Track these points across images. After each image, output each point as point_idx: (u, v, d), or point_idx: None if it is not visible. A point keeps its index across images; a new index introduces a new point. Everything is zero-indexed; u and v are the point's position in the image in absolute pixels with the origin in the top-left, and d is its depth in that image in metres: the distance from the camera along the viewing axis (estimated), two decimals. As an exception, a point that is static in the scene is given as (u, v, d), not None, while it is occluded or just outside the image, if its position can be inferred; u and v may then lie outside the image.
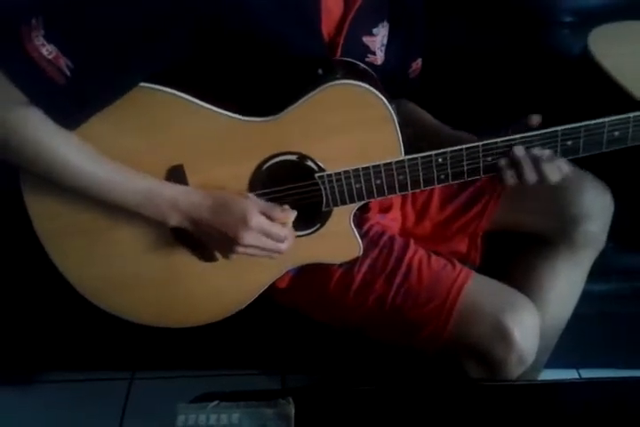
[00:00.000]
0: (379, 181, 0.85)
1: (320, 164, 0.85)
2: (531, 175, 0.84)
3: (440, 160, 0.84)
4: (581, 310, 1.09)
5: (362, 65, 0.88)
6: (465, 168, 0.85)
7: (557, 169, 0.84)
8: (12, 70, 0.74)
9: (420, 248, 0.98)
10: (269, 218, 0.83)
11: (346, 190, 0.86)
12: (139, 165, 0.82)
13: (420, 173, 0.85)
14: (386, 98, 0.81)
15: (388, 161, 0.84)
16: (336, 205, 0.88)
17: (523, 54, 1.33)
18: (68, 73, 0.74)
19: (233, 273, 0.91)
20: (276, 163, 0.85)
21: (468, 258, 1.08)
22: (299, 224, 0.87)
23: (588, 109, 1.10)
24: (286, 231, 0.84)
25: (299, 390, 0.87)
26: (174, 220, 0.83)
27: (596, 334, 1.25)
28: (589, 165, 0.93)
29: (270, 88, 0.83)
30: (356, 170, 0.84)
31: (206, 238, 0.85)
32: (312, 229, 0.91)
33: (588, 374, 1.32)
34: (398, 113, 0.84)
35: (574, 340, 1.10)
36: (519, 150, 0.83)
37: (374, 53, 0.93)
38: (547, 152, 0.83)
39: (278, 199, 0.87)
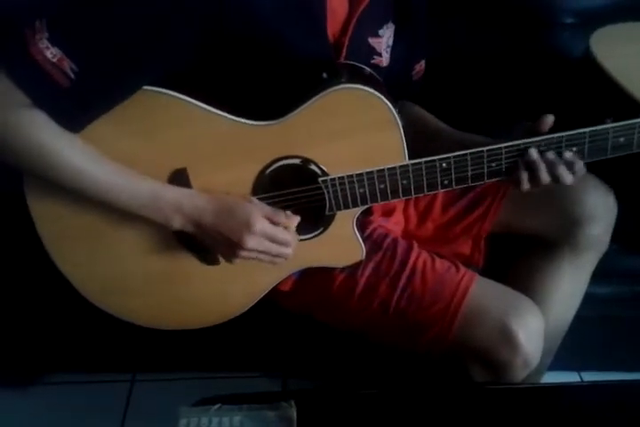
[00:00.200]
0: (382, 186, 0.85)
1: (323, 168, 0.85)
2: (545, 177, 0.84)
3: (444, 165, 0.84)
4: (583, 313, 1.09)
5: (367, 69, 0.88)
6: (469, 173, 0.84)
7: (572, 172, 0.85)
8: (16, 73, 0.74)
9: (424, 251, 0.98)
10: (273, 223, 0.83)
11: (349, 195, 0.86)
12: (142, 167, 0.82)
13: (424, 178, 0.85)
14: (390, 102, 0.81)
15: (392, 166, 0.84)
16: (339, 209, 0.88)
17: (524, 56, 1.33)
18: (73, 76, 0.74)
19: (236, 276, 0.91)
20: (280, 167, 0.85)
21: (472, 260, 1.08)
22: (302, 228, 0.87)
23: (590, 111, 1.10)
24: (290, 236, 0.84)
25: (301, 393, 0.87)
26: (177, 223, 0.83)
27: (598, 336, 1.25)
28: (593, 167, 0.92)
29: (274, 92, 0.83)
30: (360, 174, 0.84)
31: (210, 242, 0.85)
32: (315, 233, 0.90)
33: (589, 376, 1.32)
34: (402, 115, 0.84)
35: (576, 342, 1.11)
36: (533, 153, 0.83)
37: (380, 55, 0.93)
38: (568, 155, 0.83)
39: (281, 203, 0.87)
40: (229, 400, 0.82)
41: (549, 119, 0.85)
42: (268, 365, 1.38)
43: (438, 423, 0.84)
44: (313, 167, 0.85)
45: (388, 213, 1.06)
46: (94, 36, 0.74)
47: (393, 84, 0.91)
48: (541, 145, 0.83)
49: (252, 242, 0.81)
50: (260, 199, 0.86)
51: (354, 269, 0.95)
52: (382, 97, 0.80)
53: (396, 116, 0.81)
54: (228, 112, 0.82)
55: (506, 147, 0.83)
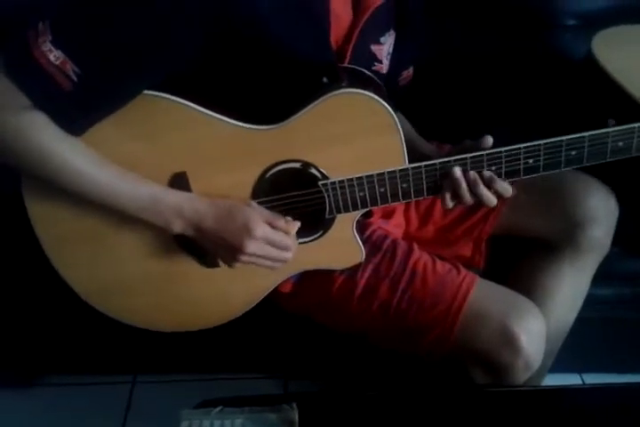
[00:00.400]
0: (382, 189, 0.85)
1: (324, 171, 0.85)
2: (467, 198, 0.85)
3: (444, 169, 0.83)
4: (585, 315, 1.09)
5: (367, 73, 0.88)
6: None
7: (495, 193, 0.85)
8: (19, 75, 0.73)
9: (425, 253, 0.98)
10: (273, 227, 0.83)
11: (349, 198, 0.86)
12: (142, 171, 0.82)
13: (424, 182, 0.85)
14: (390, 106, 0.81)
15: (392, 169, 0.84)
16: (339, 212, 0.88)
17: (526, 57, 1.33)
18: (75, 78, 0.74)
19: (235, 278, 0.91)
20: (280, 170, 0.85)
21: (473, 262, 1.08)
22: (302, 231, 0.87)
23: (592, 113, 1.10)
24: (290, 240, 0.84)
25: (302, 396, 0.87)
26: (178, 227, 0.83)
27: (600, 338, 1.25)
28: (594, 170, 0.92)
29: (275, 96, 0.83)
30: (360, 178, 0.84)
31: (210, 246, 0.85)
32: (315, 236, 0.90)
33: (590, 378, 1.33)
34: None
35: (577, 344, 1.10)
36: (456, 171, 0.83)
37: (381, 62, 0.93)
38: (487, 174, 0.84)
39: (281, 207, 0.87)
40: (231, 403, 0.82)
41: (489, 140, 0.85)
42: (268, 367, 1.38)
43: (440, 426, 0.85)
44: (313, 171, 0.85)
45: (387, 215, 1.05)
46: (97, 39, 0.74)
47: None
48: (542, 149, 0.83)
49: (252, 247, 0.81)
50: (259, 203, 0.86)
51: (353, 271, 0.95)
52: (383, 101, 0.80)
53: (396, 120, 0.81)
54: (229, 116, 0.82)
55: (506, 151, 0.83)
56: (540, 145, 0.83)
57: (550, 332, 0.95)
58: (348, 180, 0.84)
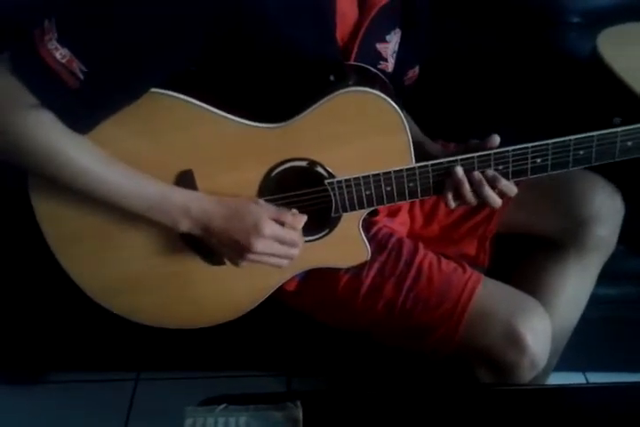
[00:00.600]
0: (389, 188, 0.85)
1: (330, 170, 0.85)
2: (470, 198, 0.85)
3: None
4: (589, 314, 1.09)
5: (374, 70, 0.88)
6: None
7: (500, 193, 0.85)
8: (25, 74, 0.73)
9: (430, 251, 0.97)
10: (280, 223, 0.83)
11: (355, 197, 0.86)
12: (148, 169, 0.82)
13: (431, 181, 0.85)
14: (397, 104, 0.80)
15: (399, 168, 0.83)
16: (345, 211, 0.88)
17: (529, 56, 1.33)
18: (82, 77, 0.73)
19: (241, 276, 0.90)
20: (286, 169, 0.85)
21: (477, 261, 1.08)
22: (308, 229, 0.87)
23: (597, 112, 1.09)
24: (296, 236, 0.84)
25: (307, 394, 0.87)
26: (185, 226, 0.83)
27: (604, 337, 1.25)
28: (600, 168, 0.92)
29: (282, 94, 0.82)
30: (367, 177, 0.84)
31: (217, 245, 0.85)
32: (321, 234, 0.90)
33: (594, 377, 1.33)
34: None
35: (582, 343, 1.10)
36: (459, 171, 0.84)
37: (386, 60, 0.93)
38: (490, 174, 0.84)
39: (287, 205, 0.87)
40: (235, 400, 0.82)
41: (496, 139, 0.85)
42: (271, 364, 1.38)
43: (444, 425, 0.84)
44: (319, 169, 0.85)
45: (393, 213, 1.05)
46: (104, 37, 0.74)
47: None
48: (550, 149, 0.82)
49: (260, 245, 0.81)
50: (265, 201, 0.86)
51: (359, 269, 0.95)
52: (390, 100, 0.80)
53: (403, 118, 0.81)
54: (236, 114, 0.81)
55: (514, 150, 0.83)
56: (547, 144, 0.82)
57: (555, 331, 0.95)
58: (354, 178, 0.84)
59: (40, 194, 0.86)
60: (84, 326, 1.28)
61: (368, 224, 0.97)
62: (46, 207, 0.86)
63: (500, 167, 0.84)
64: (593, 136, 0.81)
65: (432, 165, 0.84)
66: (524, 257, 1.09)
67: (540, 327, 0.90)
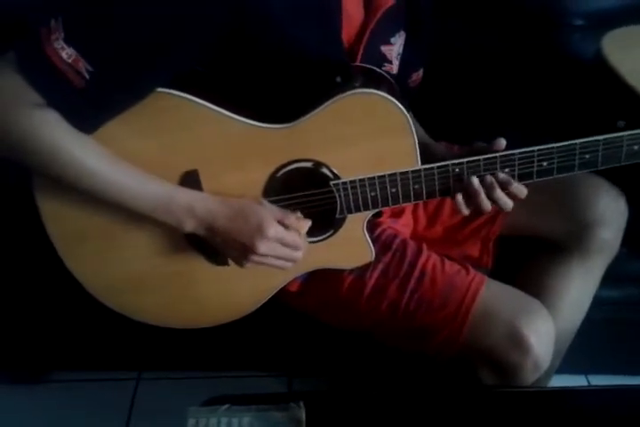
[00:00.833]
0: (394, 190, 0.85)
1: (335, 171, 0.85)
2: (486, 205, 0.85)
3: (457, 170, 0.83)
4: (592, 316, 1.09)
5: (380, 71, 0.88)
6: None
7: (509, 195, 0.85)
8: (31, 73, 0.73)
9: (434, 253, 0.98)
10: (284, 226, 0.83)
11: (360, 198, 0.86)
12: (152, 169, 0.82)
13: (436, 183, 0.85)
14: (404, 106, 0.80)
15: (405, 170, 0.83)
16: (350, 212, 0.88)
17: (533, 58, 1.33)
18: (87, 76, 0.73)
19: (244, 276, 0.90)
20: (292, 170, 0.84)
21: (480, 262, 1.08)
22: (312, 230, 0.87)
23: (601, 114, 1.09)
24: (301, 239, 0.84)
25: (310, 394, 0.87)
26: (189, 226, 0.83)
27: (606, 340, 1.25)
28: (604, 171, 0.92)
29: (288, 95, 0.82)
30: (372, 178, 0.84)
31: (221, 246, 0.85)
32: (325, 235, 0.90)
33: (596, 380, 1.33)
34: None
35: (584, 346, 1.10)
36: (474, 182, 0.84)
37: (390, 62, 0.93)
38: (502, 176, 0.84)
39: (292, 206, 0.87)
40: (238, 401, 0.82)
41: (502, 142, 0.85)
42: (273, 364, 1.38)
43: (446, 426, 0.85)
44: (325, 171, 0.85)
45: (397, 214, 1.05)
46: (110, 37, 0.74)
47: None
48: (555, 153, 0.82)
49: (264, 247, 0.81)
50: (270, 202, 0.86)
51: (363, 270, 0.95)
52: (396, 102, 0.80)
53: (410, 120, 0.81)
54: (242, 115, 0.81)
55: (520, 153, 0.83)
56: (553, 148, 0.82)
57: (558, 333, 0.95)
58: (359, 180, 0.84)
59: (45, 193, 0.85)
60: (86, 326, 1.28)
61: (372, 225, 0.97)
62: (51, 207, 0.86)
63: (506, 170, 0.84)
64: (599, 140, 0.82)
65: (438, 167, 0.84)
66: (528, 259, 1.09)
67: (544, 329, 0.91)
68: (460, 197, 0.86)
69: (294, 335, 1.28)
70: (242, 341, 1.28)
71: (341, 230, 0.90)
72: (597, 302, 1.09)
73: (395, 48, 0.93)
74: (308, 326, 1.13)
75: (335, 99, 0.80)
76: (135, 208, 0.82)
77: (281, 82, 0.82)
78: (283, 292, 0.95)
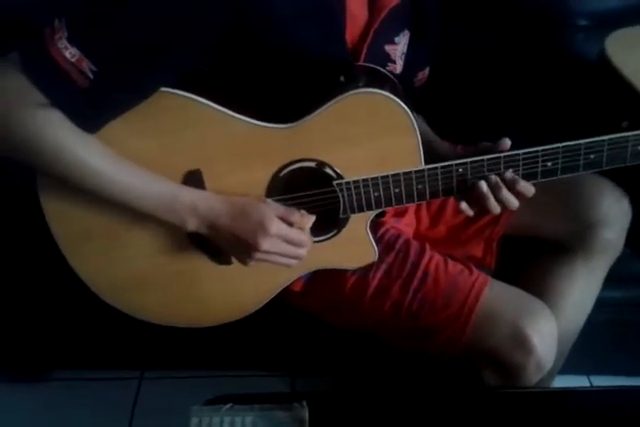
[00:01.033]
0: (397, 190, 0.85)
1: (339, 171, 0.85)
2: (495, 208, 0.85)
3: (460, 170, 0.83)
4: (594, 317, 1.09)
5: (384, 71, 0.88)
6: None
7: (517, 194, 0.85)
8: (34, 72, 0.73)
9: (437, 253, 0.97)
10: (288, 223, 0.83)
11: (364, 198, 0.86)
12: (156, 168, 0.82)
13: (440, 183, 0.84)
14: (407, 106, 0.80)
15: (408, 170, 0.83)
16: (353, 212, 0.88)
17: (537, 58, 1.33)
18: (91, 76, 0.73)
19: (248, 275, 0.90)
20: (295, 169, 0.85)
21: (484, 262, 1.08)
22: (315, 230, 0.87)
23: (605, 115, 1.09)
24: (304, 236, 0.84)
25: (313, 394, 0.87)
26: (192, 225, 0.83)
27: (609, 340, 1.25)
28: (608, 172, 0.92)
29: (291, 95, 0.82)
30: (375, 178, 0.84)
31: (224, 244, 0.85)
32: (329, 235, 0.90)
33: (598, 381, 1.33)
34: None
35: (586, 346, 1.10)
36: (483, 186, 0.84)
37: (394, 62, 0.93)
38: (509, 176, 0.84)
39: (296, 206, 0.86)
40: (241, 400, 0.82)
41: (507, 142, 0.85)
42: (276, 364, 1.38)
43: (448, 426, 0.85)
44: (328, 170, 0.85)
45: (400, 214, 1.05)
46: (113, 37, 0.74)
47: None
48: (560, 153, 0.82)
49: (266, 244, 0.81)
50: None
51: (366, 270, 0.95)
52: (400, 102, 0.80)
53: (413, 120, 0.81)
54: (245, 114, 0.81)
55: (524, 153, 0.83)
56: (558, 148, 0.82)
57: (560, 333, 0.95)
58: (362, 180, 0.84)
59: (48, 193, 0.86)
60: (89, 324, 1.28)
61: (375, 225, 0.96)
62: (55, 206, 0.86)
63: (510, 170, 0.84)
64: (604, 140, 0.81)
65: (441, 167, 0.84)
66: (531, 259, 1.09)
67: (547, 329, 0.91)
68: (464, 204, 0.86)
69: (297, 335, 1.28)
70: (245, 340, 1.28)
71: (344, 230, 0.90)
72: (600, 303, 1.09)
73: (399, 48, 0.93)
74: (311, 326, 1.13)
75: (338, 98, 0.80)
76: (139, 207, 0.82)
77: (284, 81, 0.83)
78: (286, 291, 0.95)
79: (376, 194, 0.85)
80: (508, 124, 1.23)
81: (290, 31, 0.79)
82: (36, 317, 1.29)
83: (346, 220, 0.89)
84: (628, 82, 1.07)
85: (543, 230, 1.07)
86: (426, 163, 0.84)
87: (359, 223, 0.90)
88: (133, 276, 0.91)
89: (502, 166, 0.83)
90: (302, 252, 0.85)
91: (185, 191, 0.83)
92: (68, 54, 0.72)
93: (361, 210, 0.87)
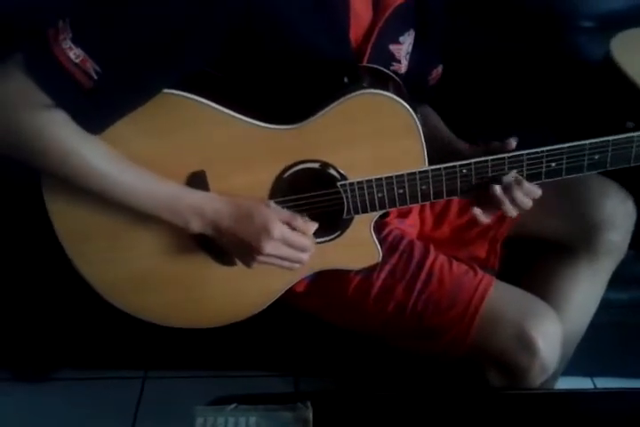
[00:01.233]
0: (401, 191, 0.85)
1: (342, 172, 0.85)
2: (511, 211, 0.85)
3: (464, 171, 0.83)
4: (598, 318, 1.09)
5: (387, 72, 0.88)
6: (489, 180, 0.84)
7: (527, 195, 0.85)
8: (38, 73, 0.73)
9: (441, 254, 0.97)
10: (291, 227, 0.83)
11: (367, 199, 0.86)
12: (160, 169, 0.82)
13: (444, 184, 0.84)
14: (411, 107, 0.80)
15: (412, 171, 0.83)
16: (357, 213, 0.87)
17: (542, 60, 1.32)
18: (95, 77, 0.73)
19: (251, 276, 0.90)
20: (299, 170, 0.84)
21: (487, 263, 1.07)
22: (319, 231, 0.87)
23: (610, 116, 1.09)
24: (308, 241, 0.84)
25: (317, 394, 0.87)
26: (197, 226, 0.83)
27: (612, 342, 1.24)
28: (612, 173, 0.92)
29: (295, 96, 0.82)
30: (379, 179, 0.84)
31: (228, 246, 0.85)
32: (332, 236, 0.90)
33: (602, 383, 1.33)
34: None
35: (590, 348, 1.10)
36: (497, 190, 0.84)
37: (399, 61, 0.93)
38: (512, 175, 0.84)
39: (299, 207, 0.87)
40: (245, 400, 0.82)
41: (513, 143, 0.86)
42: (279, 364, 1.38)
43: (453, 427, 0.85)
44: (332, 171, 0.85)
45: (404, 214, 1.05)
46: (117, 37, 0.74)
47: (410, 88, 0.90)
48: (564, 153, 0.82)
49: (269, 247, 0.81)
50: (277, 203, 0.86)
51: (370, 271, 0.95)
52: (404, 103, 0.80)
53: (417, 122, 0.81)
54: (249, 116, 0.81)
55: (528, 154, 0.83)
56: (563, 148, 0.82)
57: (565, 335, 0.95)
58: (366, 181, 0.84)
59: (53, 192, 0.86)
60: (93, 324, 1.28)
61: (379, 226, 0.97)
62: (59, 205, 0.86)
63: (515, 171, 0.84)
64: (608, 141, 0.81)
65: (445, 168, 0.83)
66: (535, 261, 1.09)
67: (552, 331, 0.90)
68: (478, 210, 0.86)
69: (300, 335, 1.28)
70: (248, 340, 1.29)
71: (348, 231, 0.90)
72: (604, 305, 1.08)
73: (404, 47, 0.93)
74: (314, 326, 1.13)
75: (342, 99, 0.79)
76: (143, 208, 0.82)
77: (288, 82, 0.83)
78: (290, 292, 0.95)
79: (380, 195, 0.85)
80: (512, 125, 1.23)
81: (294, 31, 0.79)
82: (38, 316, 1.29)
83: (350, 221, 0.89)
84: (633, 83, 1.07)
85: (547, 232, 1.06)
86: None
87: (363, 224, 0.90)
88: (136, 276, 0.92)
89: (506, 167, 0.83)
90: (305, 256, 0.85)
91: (189, 193, 0.83)
92: (72, 55, 0.72)
93: (365, 211, 0.87)
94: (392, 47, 0.91)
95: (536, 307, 0.92)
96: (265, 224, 0.81)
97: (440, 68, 1.06)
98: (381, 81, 0.85)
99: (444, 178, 0.84)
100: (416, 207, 1.07)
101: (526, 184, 0.84)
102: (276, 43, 0.79)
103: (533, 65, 1.33)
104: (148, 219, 0.84)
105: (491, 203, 0.86)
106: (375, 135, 0.82)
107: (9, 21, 1.11)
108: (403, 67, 0.94)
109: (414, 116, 0.81)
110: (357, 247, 0.92)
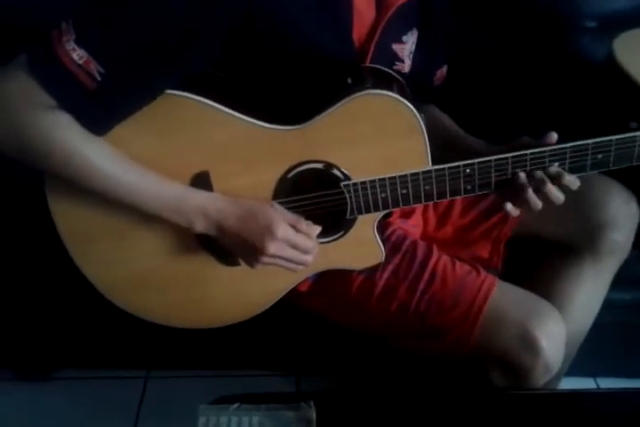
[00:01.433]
0: (405, 191, 0.85)
1: (346, 172, 0.85)
2: (535, 201, 0.84)
3: (468, 171, 0.83)
4: (601, 319, 1.08)
5: (391, 72, 0.88)
6: (492, 180, 0.84)
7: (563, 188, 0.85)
8: (42, 74, 0.73)
9: (444, 254, 0.97)
10: (295, 229, 0.83)
11: (371, 199, 0.86)
12: (164, 170, 0.82)
13: (447, 184, 0.84)
14: (415, 107, 0.80)
15: (415, 171, 0.83)
16: (360, 213, 0.88)
17: (545, 60, 1.33)
18: (99, 78, 0.73)
19: (255, 277, 0.90)
20: (302, 171, 0.84)
21: (490, 263, 1.07)
22: (323, 231, 0.87)
23: (613, 116, 1.09)
24: (311, 243, 0.84)
25: (320, 394, 0.87)
26: (201, 226, 0.83)
27: (615, 343, 1.24)
28: (616, 173, 0.92)
29: (299, 96, 0.82)
30: (382, 179, 0.84)
31: (231, 246, 0.85)
32: (336, 236, 0.90)
33: (605, 383, 1.33)
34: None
35: (593, 348, 1.10)
36: (521, 176, 0.83)
37: (402, 61, 0.93)
38: (554, 170, 0.83)
39: (303, 207, 0.87)
40: (248, 399, 0.82)
41: (554, 136, 0.85)
42: (281, 364, 1.38)
43: (456, 427, 0.85)
44: (335, 172, 0.85)
45: (407, 214, 1.05)
46: (121, 38, 0.74)
47: (415, 89, 0.90)
48: (567, 152, 0.82)
49: (273, 248, 0.81)
50: (281, 203, 0.86)
51: (373, 271, 0.95)
52: (408, 103, 0.80)
53: (421, 122, 0.81)
54: (253, 116, 0.81)
55: (531, 153, 0.83)
56: (566, 148, 0.82)
57: (568, 335, 0.95)
58: (370, 181, 0.84)
59: (56, 192, 0.86)
60: (95, 324, 1.28)
61: (382, 226, 0.96)
62: (62, 206, 0.87)
63: (518, 170, 0.84)
64: (612, 140, 0.81)
65: (449, 168, 0.83)
66: (538, 261, 1.09)
67: (555, 331, 0.90)
68: (509, 205, 0.86)
69: (303, 335, 1.28)
70: (250, 340, 1.29)
71: (352, 231, 0.90)
72: (607, 305, 1.08)
73: (407, 46, 0.93)
74: (317, 326, 1.13)
75: (346, 100, 0.79)
76: (147, 209, 0.82)
77: (291, 83, 0.83)
78: (292, 292, 0.95)
79: (383, 195, 0.85)
80: (515, 125, 1.23)
81: (297, 29, 0.79)
82: (40, 315, 1.29)
83: (353, 221, 0.89)
84: (635, 83, 1.07)
85: (551, 232, 1.06)
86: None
87: (366, 224, 0.90)
88: (139, 276, 0.92)
89: (510, 167, 0.83)
90: (308, 258, 0.85)
91: (194, 193, 0.83)
92: (75, 56, 0.72)
93: (368, 211, 0.87)
94: (395, 46, 0.91)
95: (539, 307, 0.92)
96: (269, 225, 0.81)
97: (445, 69, 1.06)
98: (385, 81, 0.85)
99: (447, 178, 0.84)
100: (419, 207, 1.07)
101: (567, 177, 0.83)
102: (278, 42, 0.79)
103: (536, 65, 1.33)
104: (151, 219, 0.84)
105: (516, 194, 0.85)
106: (379, 135, 0.82)
107: (10, 22, 1.11)
108: (406, 66, 0.94)
109: (418, 116, 0.81)
110: (361, 247, 0.92)
